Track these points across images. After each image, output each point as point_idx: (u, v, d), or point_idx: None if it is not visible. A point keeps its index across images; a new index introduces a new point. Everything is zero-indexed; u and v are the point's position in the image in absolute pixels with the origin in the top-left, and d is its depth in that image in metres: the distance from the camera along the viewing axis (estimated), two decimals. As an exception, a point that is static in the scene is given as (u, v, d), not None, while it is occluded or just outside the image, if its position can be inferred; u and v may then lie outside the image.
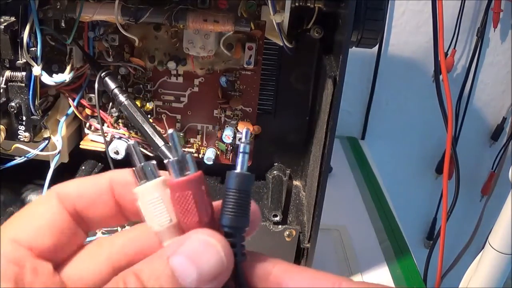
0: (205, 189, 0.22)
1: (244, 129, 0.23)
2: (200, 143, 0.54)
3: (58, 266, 0.22)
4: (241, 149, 0.22)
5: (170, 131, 0.22)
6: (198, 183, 0.21)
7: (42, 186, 0.48)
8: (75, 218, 0.22)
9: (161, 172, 0.22)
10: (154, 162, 0.22)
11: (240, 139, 0.22)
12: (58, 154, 0.49)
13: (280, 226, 0.50)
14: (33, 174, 0.52)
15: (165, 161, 0.21)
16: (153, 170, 0.22)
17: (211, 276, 0.20)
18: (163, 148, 0.46)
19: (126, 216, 0.23)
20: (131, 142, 0.22)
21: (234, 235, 0.21)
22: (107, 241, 0.23)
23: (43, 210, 0.22)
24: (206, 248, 0.20)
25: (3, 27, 0.42)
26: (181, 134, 0.54)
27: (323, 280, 0.21)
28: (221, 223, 0.21)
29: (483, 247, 0.73)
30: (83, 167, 0.54)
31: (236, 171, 0.22)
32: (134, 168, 0.22)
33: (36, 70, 0.44)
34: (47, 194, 0.23)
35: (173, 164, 0.21)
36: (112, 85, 0.48)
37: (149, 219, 0.22)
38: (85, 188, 0.23)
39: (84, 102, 0.52)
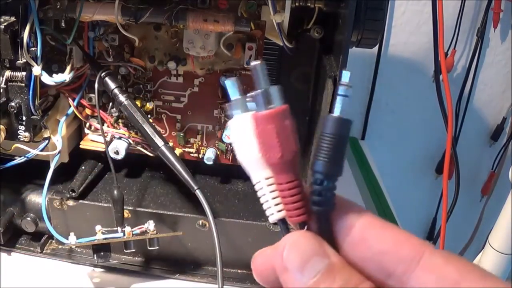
0: (290, 124, 0.21)
1: (345, 71, 0.21)
2: (200, 143, 0.54)
3: None
4: (340, 92, 0.21)
5: (256, 62, 0.21)
6: (282, 117, 0.21)
7: (42, 186, 0.48)
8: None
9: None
10: (246, 96, 0.21)
11: (340, 81, 0.21)
12: (58, 154, 0.49)
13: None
14: (33, 174, 0.52)
15: (249, 94, 0.21)
16: (245, 104, 0.22)
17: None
18: (163, 148, 0.46)
19: None
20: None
21: (325, 183, 0.20)
22: None
23: None
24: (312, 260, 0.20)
25: (3, 27, 0.42)
26: (181, 134, 0.53)
27: (406, 244, 0.20)
28: (313, 168, 0.20)
29: (483, 247, 0.73)
30: (83, 167, 0.54)
31: (334, 115, 0.20)
32: (229, 103, 0.22)
33: (36, 70, 0.44)
34: None
35: (258, 96, 0.21)
36: (112, 85, 0.48)
37: (239, 150, 0.21)
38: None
39: (84, 102, 0.52)
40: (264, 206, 0.22)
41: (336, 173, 0.20)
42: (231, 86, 0.22)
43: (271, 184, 0.21)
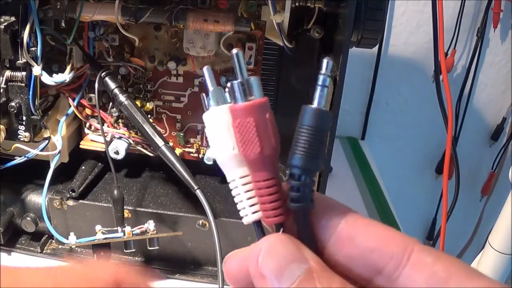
0: (270, 118, 0.19)
1: (325, 59, 0.19)
2: (200, 143, 0.54)
3: None
4: (320, 82, 0.19)
5: (234, 50, 0.19)
6: (263, 109, 0.19)
7: (42, 186, 0.48)
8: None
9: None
10: (227, 86, 0.20)
11: (320, 70, 0.19)
12: (58, 154, 0.49)
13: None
14: (33, 174, 0.52)
15: (229, 84, 0.19)
16: (223, 96, 0.20)
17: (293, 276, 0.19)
18: (163, 148, 0.46)
19: None
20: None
21: (302, 178, 0.19)
22: None
23: None
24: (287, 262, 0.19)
25: (3, 27, 0.42)
26: (181, 134, 0.53)
27: (395, 241, 0.19)
28: (290, 163, 0.19)
29: (483, 247, 0.73)
30: (83, 167, 0.54)
31: (312, 106, 0.19)
32: (203, 94, 0.21)
33: (36, 70, 0.44)
34: None
35: (236, 87, 0.19)
36: (112, 85, 0.48)
37: (214, 145, 0.20)
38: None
39: (84, 102, 0.52)
40: (239, 207, 0.21)
41: (314, 168, 0.19)
42: (208, 75, 0.21)
43: (246, 184, 0.20)
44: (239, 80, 0.19)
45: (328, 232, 0.20)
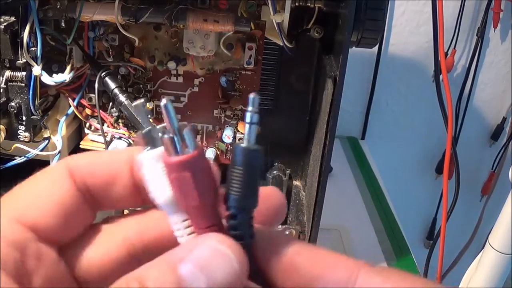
0: (206, 167, 0.19)
1: (251, 95, 0.19)
2: (200, 143, 0.55)
3: (62, 249, 0.20)
4: (247, 119, 0.19)
5: (163, 101, 0.18)
6: (198, 162, 0.19)
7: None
8: (85, 196, 0.20)
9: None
10: (163, 125, 0.19)
11: (247, 107, 0.19)
12: (58, 154, 0.49)
13: (280, 226, 0.50)
14: (33, 174, 0.52)
15: (160, 137, 0.19)
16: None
17: (223, 286, 0.18)
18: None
19: (143, 198, 0.21)
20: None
21: (238, 217, 0.19)
22: (121, 222, 0.21)
23: (50, 184, 0.19)
24: (217, 256, 0.18)
25: (3, 27, 0.42)
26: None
27: (339, 266, 0.19)
28: (226, 203, 0.19)
29: (483, 247, 0.73)
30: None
31: (242, 145, 0.19)
32: (140, 132, 0.19)
33: (36, 70, 0.44)
34: (56, 165, 0.20)
35: (167, 142, 0.18)
36: (112, 85, 0.48)
37: (152, 190, 0.19)
38: (100, 163, 0.20)
39: (84, 102, 0.52)
40: None
41: (250, 206, 0.19)
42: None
43: (189, 226, 0.20)
44: (170, 135, 0.18)
45: (273, 264, 0.19)
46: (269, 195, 0.21)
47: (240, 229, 0.19)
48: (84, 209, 0.20)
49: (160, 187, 0.19)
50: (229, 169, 0.19)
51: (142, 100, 0.20)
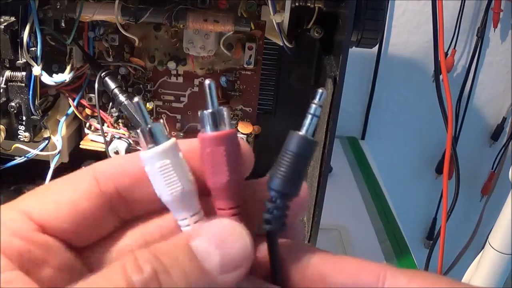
0: (238, 147, 0.20)
1: (320, 90, 0.20)
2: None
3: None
4: (311, 110, 0.20)
5: (207, 81, 0.20)
6: (233, 139, 0.20)
7: (42, 186, 0.48)
8: (114, 200, 0.20)
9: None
10: (162, 121, 0.20)
11: (313, 99, 0.20)
12: (58, 154, 0.49)
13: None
14: (33, 174, 0.52)
15: (199, 113, 0.20)
16: (162, 132, 0.20)
17: (236, 262, 0.18)
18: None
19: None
20: (136, 99, 0.20)
21: (278, 201, 0.19)
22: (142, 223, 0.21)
23: (70, 186, 0.19)
24: (231, 232, 0.18)
25: (3, 27, 0.42)
26: (181, 134, 0.54)
27: (366, 271, 0.19)
28: (269, 184, 0.19)
29: (483, 247, 0.73)
30: (83, 167, 0.54)
31: (299, 132, 0.19)
32: (139, 130, 0.20)
33: (36, 70, 0.44)
34: (83, 170, 0.20)
35: (207, 117, 0.19)
36: (112, 85, 0.48)
37: (158, 188, 0.20)
38: (129, 164, 0.20)
39: (84, 102, 0.52)
40: None
41: (291, 193, 0.19)
42: (140, 109, 0.20)
43: (197, 221, 0.20)
44: (210, 110, 0.19)
45: (299, 274, 0.19)
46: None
47: (275, 213, 0.19)
48: (106, 215, 0.20)
49: (166, 184, 0.19)
50: (280, 153, 0.19)
51: (139, 97, 0.20)
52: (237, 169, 0.20)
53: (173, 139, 0.20)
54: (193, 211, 0.20)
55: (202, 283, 0.17)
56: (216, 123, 0.19)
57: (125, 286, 0.16)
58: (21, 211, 0.19)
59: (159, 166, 0.19)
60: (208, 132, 0.19)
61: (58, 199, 0.19)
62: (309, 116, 0.20)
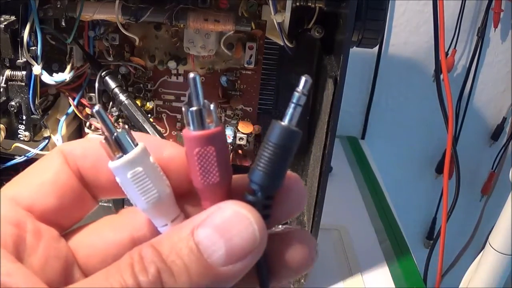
0: (226, 145, 0.19)
1: (304, 77, 0.18)
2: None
3: (63, 233, 0.20)
4: (294, 99, 0.18)
5: (191, 74, 0.18)
6: (222, 138, 0.18)
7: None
8: (81, 180, 0.20)
9: (136, 135, 0.19)
10: (126, 127, 0.19)
11: (297, 87, 0.19)
12: (58, 153, 0.49)
13: (280, 226, 0.50)
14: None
15: (184, 109, 0.18)
16: (130, 139, 0.18)
17: (242, 252, 0.17)
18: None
19: None
20: (96, 107, 0.18)
21: (258, 194, 0.18)
22: (130, 212, 0.21)
23: (46, 168, 0.19)
24: (238, 220, 0.17)
25: (3, 26, 0.42)
26: (181, 134, 0.53)
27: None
28: (250, 177, 0.18)
29: (483, 247, 0.73)
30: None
31: (282, 123, 0.18)
32: (104, 139, 0.18)
33: (36, 69, 0.44)
34: (51, 152, 0.20)
35: (194, 114, 0.18)
36: (112, 84, 0.48)
37: (133, 197, 0.19)
38: (92, 148, 0.20)
39: (84, 101, 0.51)
40: None
41: (272, 186, 0.18)
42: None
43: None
44: (195, 108, 0.18)
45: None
46: (290, 179, 0.20)
47: (256, 207, 0.18)
48: (80, 192, 0.20)
49: (141, 193, 0.18)
50: (261, 144, 0.18)
51: (99, 106, 0.18)
52: (227, 168, 0.19)
53: (141, 144, 0.19)
54: (173, 216, 0.19)
55: (206, 281, 0.17)
56: (203, 121, 0.18)
57: (134, 286, 0.16)
58: (9, 198, 0.19)
59: (131, 175, 0.18)
60: (195, 130, 0.18)
61: (41, 180, 0.19)
62: (292, 105, 0.18)
